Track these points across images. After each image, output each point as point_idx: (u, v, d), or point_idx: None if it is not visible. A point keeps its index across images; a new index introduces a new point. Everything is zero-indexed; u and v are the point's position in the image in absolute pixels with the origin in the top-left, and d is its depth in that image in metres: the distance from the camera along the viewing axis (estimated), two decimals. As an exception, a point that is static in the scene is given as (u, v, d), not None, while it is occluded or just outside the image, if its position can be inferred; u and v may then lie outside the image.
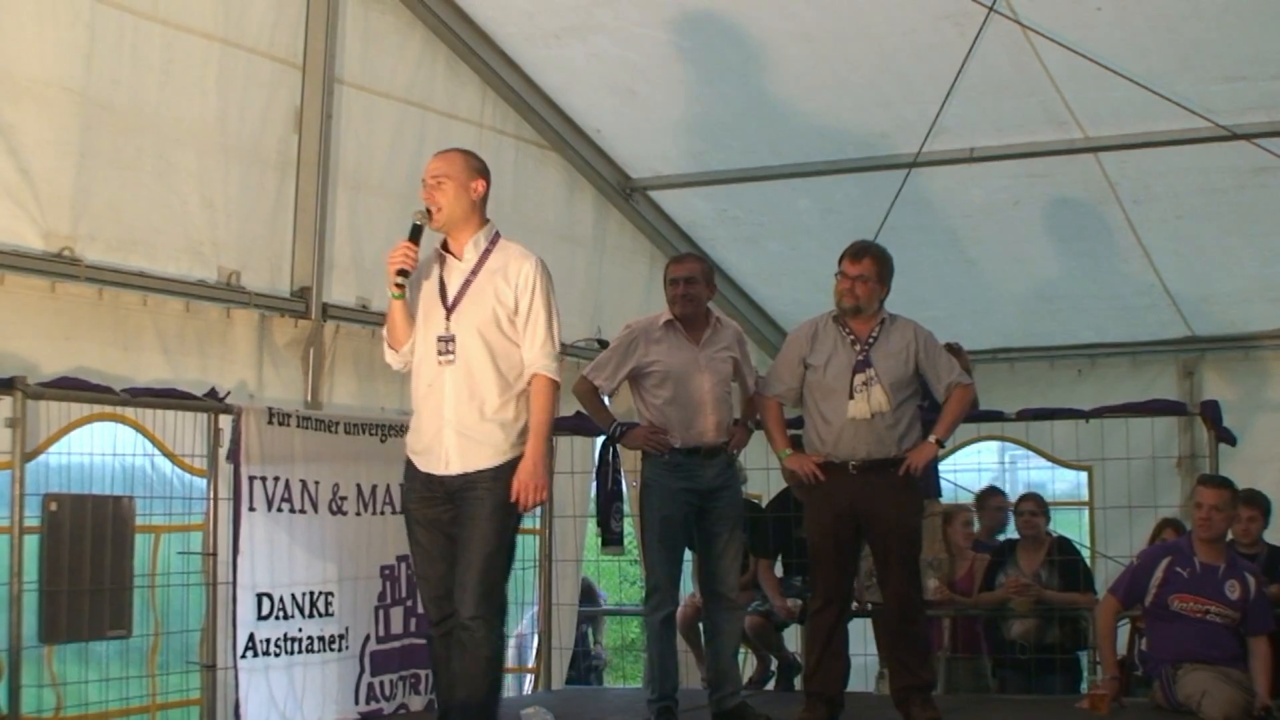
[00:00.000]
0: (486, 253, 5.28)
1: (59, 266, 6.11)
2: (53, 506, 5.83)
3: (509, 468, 5.16)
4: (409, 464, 5.35)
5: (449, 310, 5.23)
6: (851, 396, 6.14)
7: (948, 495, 8.54)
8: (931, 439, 6.24)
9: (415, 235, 5.24)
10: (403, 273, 5.18)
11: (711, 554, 6.40)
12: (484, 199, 5.32)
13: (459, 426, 5.17)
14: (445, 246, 5.35)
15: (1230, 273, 9.02)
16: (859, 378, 6.15)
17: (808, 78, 7.96)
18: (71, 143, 6.20)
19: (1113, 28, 7.13)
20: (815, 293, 9.55)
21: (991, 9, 7.06)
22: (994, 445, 10.06)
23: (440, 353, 5.20)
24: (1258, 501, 7.28)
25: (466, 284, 5.24)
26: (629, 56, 7.97)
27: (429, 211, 5.27)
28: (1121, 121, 7.82)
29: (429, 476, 5.23)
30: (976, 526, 8.38)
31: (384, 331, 5.42)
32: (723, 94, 8.22)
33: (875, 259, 6.27)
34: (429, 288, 5.30)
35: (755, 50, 7.81)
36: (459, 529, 5.17)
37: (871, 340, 6.22)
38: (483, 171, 5.35)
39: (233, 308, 6.89)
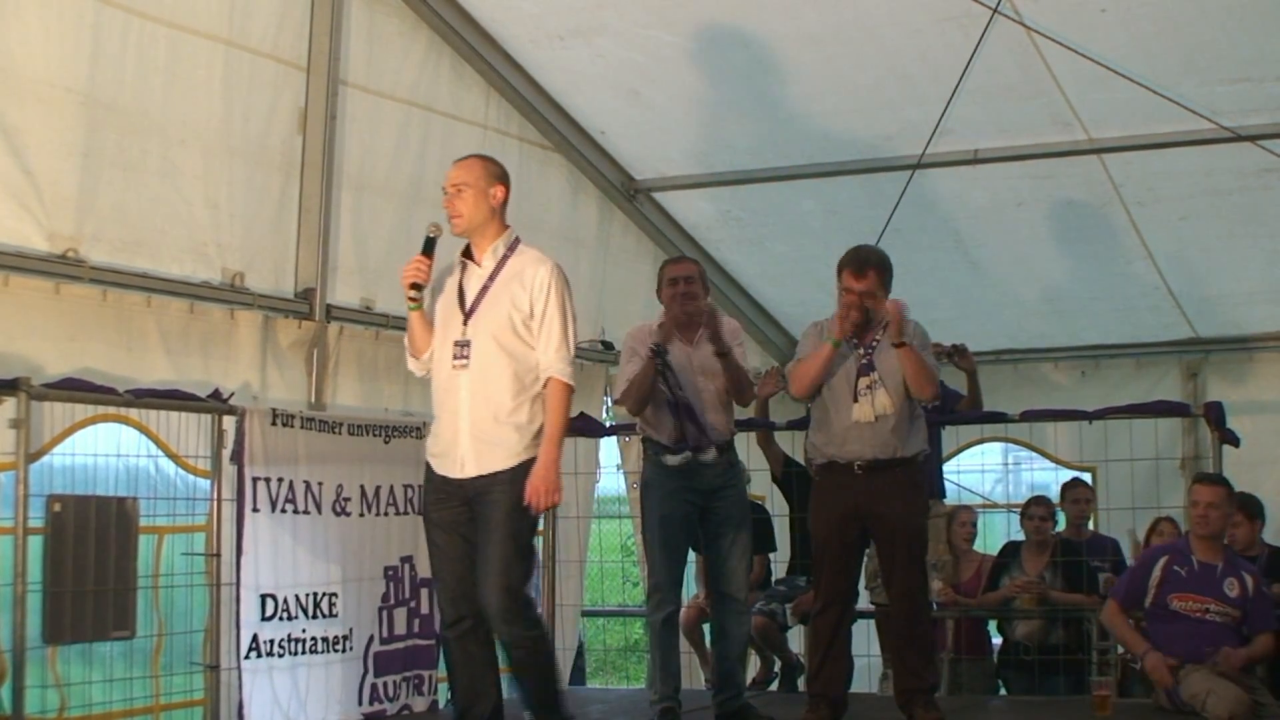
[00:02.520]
0: (505, 259, 5.37)
1: (63, 268, 6.10)
2: (57, 507, 5.84)
3: (524, 469, 5.23)
4: (428, 467, 5.43)
5: (466, 316, 5.31)
6: (855, 400, 6.13)
7: (951, 496, 8.54)
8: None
9: (428, 248, 5.33)
10: (416, 286, 5.29)
11: (717, 555, 6.38)
12: (503, 205, 5.40)
13: (474, 430, 5.24)
14: (467, 253, 5.43)
15: (1234, 274, 9.03)
16: (863, 381, 6.14)
17: (812, 79, 7.96)
18: (76, 144, 6.20)
19: (1117, 29, 7.14)
20: (818, 294, 9.57)
21: (996, 11, 7.06)
22: (998, 446, 10.07)
23: (455, 357, 5.29)
24: (1247, 507, 7.32)
25: (484, 290, 5.32)
26: (633, 58, 7.98)
27: (450, 221, 5.35)
28: (1126, 123, 7.82)
29: (446, 479, 5.31)
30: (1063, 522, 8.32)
31: (405, 340, 5.50)
32: (727, 96, 8.23)
33: (878, 270, 6.19)
34: (449, 294, 5.38)
35: (759, 52, 7.82)
36: (478, 533, 5.25)
37: (875, 344, 6.20)
38: (502, 178, 5.42)
39: (237, 309, 6.89)
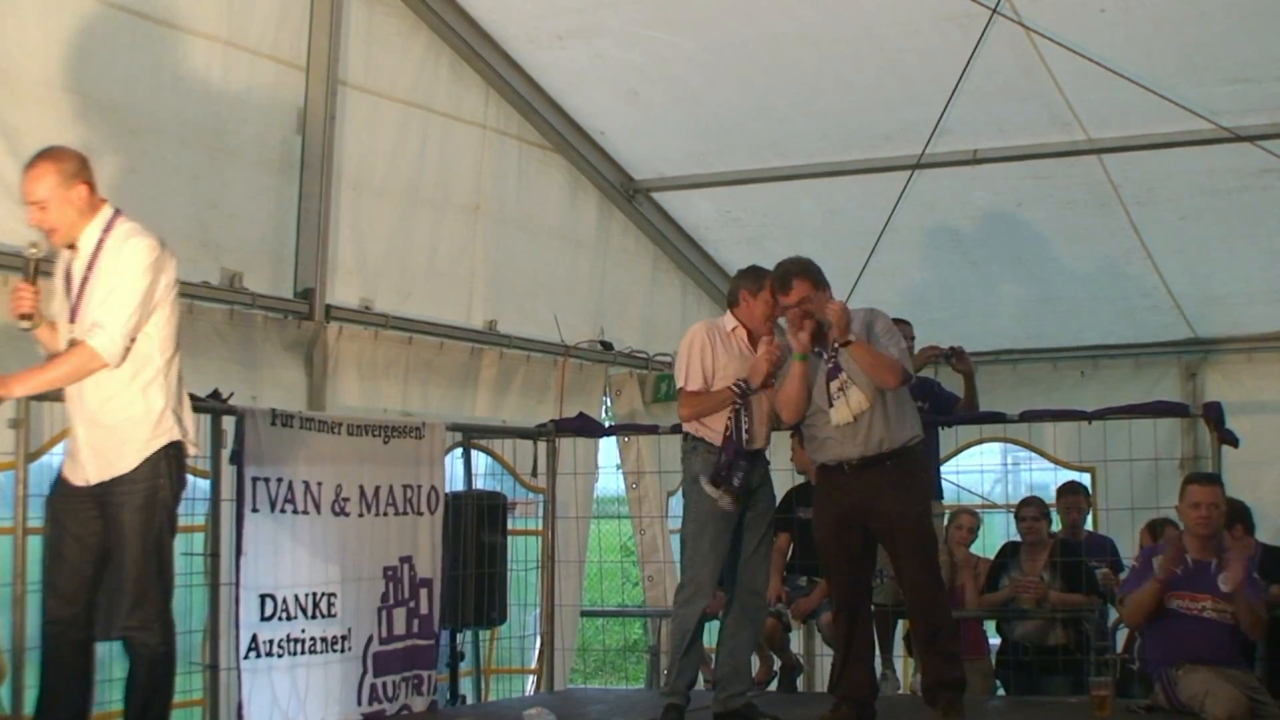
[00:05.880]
0: (100, 243, 5.02)
1: (62, 268, 6.10)
2: (56, 508, 5.82)
3: (149, 465, 4.97)
4: (60, 467, 5.18)
5: (72, 313, 5.03)
6: (831, 404, 6.11)
7: (950, 497, 8.54)
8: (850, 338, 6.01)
9: (28, 272, 5.04)
10: (25, 315, 5.03)
11: (746, 551, 6.36)
12: (90, 195, 5.06)
13: (89, 437, 5.00)
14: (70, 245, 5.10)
15: (1233, 274, 9.04)
16: (834, 385, 6.10)
17: (811, 80, 7.97)
18: (75, 144, 6.14)
19: (1116, 30, 7.14)
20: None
21: (995, 11, 7.06)
22: (997, 447, 10.09)
23: None
24: (1245, 519, 7.33)
25: (83, 281, 5.00)
26: (632, 58, 7.98)
27: (48, 237, 5.06)
28: (1125, 123, 7.84)
29: (74, 485, 5.06)
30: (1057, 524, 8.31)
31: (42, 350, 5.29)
32: (726, 96, 8.23)
33: (802, 277, 6.09)
34: (59, 287, 5.10)
35: (758, 52, 7.82)
36: (109, 538, 5.00)
37: (837, 345, 6.09)
38: (79, 173, 5.02)
39: (236, 309, 6.89)
